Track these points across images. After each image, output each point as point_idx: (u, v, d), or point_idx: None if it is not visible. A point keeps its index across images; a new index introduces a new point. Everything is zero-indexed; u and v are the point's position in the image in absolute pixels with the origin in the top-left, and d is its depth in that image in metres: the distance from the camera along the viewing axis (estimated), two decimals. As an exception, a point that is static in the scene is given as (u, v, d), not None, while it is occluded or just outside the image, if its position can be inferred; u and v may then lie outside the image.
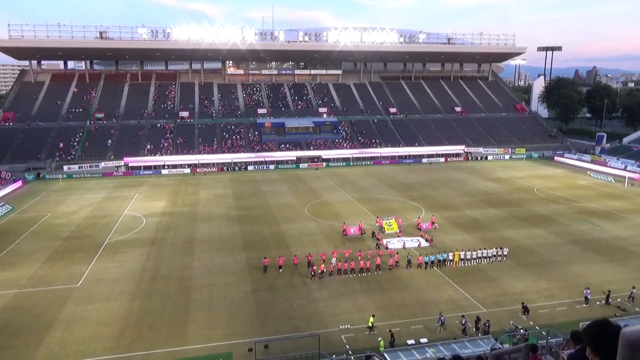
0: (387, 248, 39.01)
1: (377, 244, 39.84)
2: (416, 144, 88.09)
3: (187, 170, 75.95)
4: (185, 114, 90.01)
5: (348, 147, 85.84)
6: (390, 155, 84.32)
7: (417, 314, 28.52)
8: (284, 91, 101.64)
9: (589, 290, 29.67)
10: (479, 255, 36.31)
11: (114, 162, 75.19)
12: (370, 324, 26.22)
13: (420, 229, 43.57)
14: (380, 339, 24.80)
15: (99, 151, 77.46)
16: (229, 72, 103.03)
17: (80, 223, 47.62)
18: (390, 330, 25.69)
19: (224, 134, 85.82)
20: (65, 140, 78.71)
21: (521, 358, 7.47)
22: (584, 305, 29.27)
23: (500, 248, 37.20)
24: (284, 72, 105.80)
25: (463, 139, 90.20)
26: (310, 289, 31.88)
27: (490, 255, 36.52)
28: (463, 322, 26.28)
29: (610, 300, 29.49)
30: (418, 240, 40.95)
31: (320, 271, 33.40)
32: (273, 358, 22.40)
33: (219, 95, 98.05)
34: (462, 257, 35.90)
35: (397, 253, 36.43)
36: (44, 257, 37.82)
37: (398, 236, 41.92)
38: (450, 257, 35.83)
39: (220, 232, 44.35)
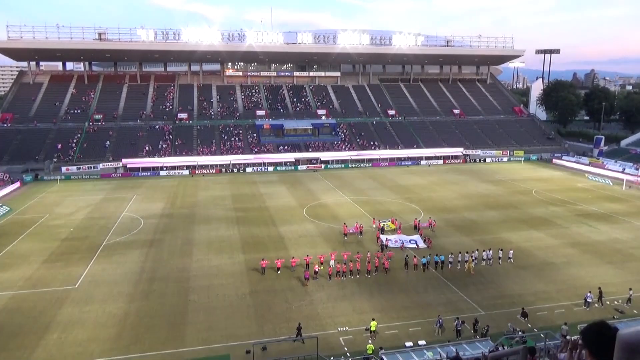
0: (386, 246, 39.09)
1: (380, 246, 39.80)
2: (415, 146, 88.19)
3: (186, 172, 75.87)
4: (183, 115, 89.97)
5: (347, 149, 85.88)
6: (388, 157, 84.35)
7: (415, 316, 28.52)
8: (283, 93, 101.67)
9: (589, 294, 29.69)
10: (477, 257, 36.32)
11: (113, 163, 75.11)
12: (373, 329, 25.75)
13: (418, 228, 43.69)
14: (370, 341, 24.75)
15: (97, 152, 77.41)
16: (227, 74, 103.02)
17: (79, 224, 47.54)
18: (299, 324, 25.93)
19: (223, 135, 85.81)
20: (64, 141, 78.60)
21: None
22: (584, 307, 29.29)
23: (501, 250, 37.27)
24: (282, 74, 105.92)
25: (461, 142, 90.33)
26: (308, 290, 31.86)
27: (488, 257, 36.53)
28: (456, 323, 26.23)
29: (603, 297, 29.57)
30: (417, 242, 40.98)
31: (314, 274, 33.32)
32: (271, 360, 22.38)
33: (218, 97, 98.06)
34: (460, 259, 35.94)
35: (393, 254, 36.45)
36: (41, 259, 37.73)
37: (397, 235, 42.01)
38: (449, 260, 35.84)
39: (219, 234, 44.30)
